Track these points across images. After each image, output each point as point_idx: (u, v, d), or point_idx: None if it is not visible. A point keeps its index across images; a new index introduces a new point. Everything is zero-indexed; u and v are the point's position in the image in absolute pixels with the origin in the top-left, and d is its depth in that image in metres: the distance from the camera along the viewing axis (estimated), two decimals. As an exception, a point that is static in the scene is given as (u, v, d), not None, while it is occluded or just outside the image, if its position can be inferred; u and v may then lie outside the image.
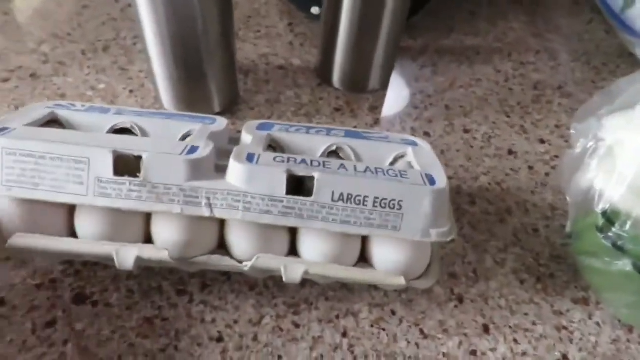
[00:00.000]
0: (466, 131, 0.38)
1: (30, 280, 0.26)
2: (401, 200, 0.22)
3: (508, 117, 0.40)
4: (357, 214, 0.22)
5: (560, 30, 0.52)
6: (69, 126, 0.25)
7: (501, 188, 0.34)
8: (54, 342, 0.23)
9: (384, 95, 0.41)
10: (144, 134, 0.25)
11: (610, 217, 0.24)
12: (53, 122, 0.25)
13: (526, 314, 0.27)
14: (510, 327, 0.26)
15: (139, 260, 0.22)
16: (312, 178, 0.22)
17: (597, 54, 0.49)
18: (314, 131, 0.27)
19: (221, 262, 0.23)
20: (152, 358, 0.23)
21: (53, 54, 0.41)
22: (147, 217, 0.24)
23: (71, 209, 0.24)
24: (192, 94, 0.35)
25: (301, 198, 0.22)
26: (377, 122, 0.38)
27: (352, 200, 0.22)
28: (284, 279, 0.23)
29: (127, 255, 0.22)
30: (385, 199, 0.22)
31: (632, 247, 0.23)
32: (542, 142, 0.38)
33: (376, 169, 0.23)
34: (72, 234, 0.24)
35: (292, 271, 0.23)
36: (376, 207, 0.22)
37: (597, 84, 0.45)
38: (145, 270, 0.27)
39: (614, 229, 0.24)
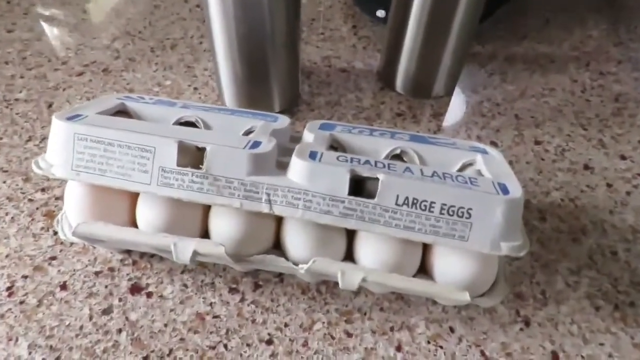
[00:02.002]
0: (537, 143, 0.36)
1: (90, 267, 0.26)
2: (470, 209, 0.20)
3: (585, 129, 0.37)
4: (422, 220, 0.21)
5: (646, 40, 0.48)
6: (136, 117, 0.26)
7: (575, 205, 0.31)
8: (108, 330, 0.24)
9: (449, 102, 0.39)
10: (208, 128, 0.25)
11: None
12: (122, 112, 0.26)
13: (601, 344, 0.25)
14: (582, 356, 0.24)
15: (195, 254, 0.22)
16: (374, 181, 0.21)
17: (687, 67, 0.45)
18: (378, 133, 0.26)
19: (276, 262, 0.22)
20: (201, 354, 0.23)
21: (124, 51, 0.43)
22: (206, 212, 0.24)
23: (134, 199, 0.24)
24: (254, 93, 0.35)
25: (363, 200, 0.21)
26: (440, 128, 0.37)
27: (418, 205, 0.20)
28: (340, 285, 0.22)
29: (184, 248, 0.22)
30: (454, 206, 0.20)
31: None
32: (623, 158, 0.35)
33: (444, 174, 0.22)
34: (134, 224, 0.24)
35: (350, 277, 0.21)
36: (443, 214, 0.20)
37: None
38: (200, 265, 0.26)
39: None
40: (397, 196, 0.20)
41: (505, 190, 0.21)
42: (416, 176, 0.21)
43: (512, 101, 0.39)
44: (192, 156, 0.22)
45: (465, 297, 0.21)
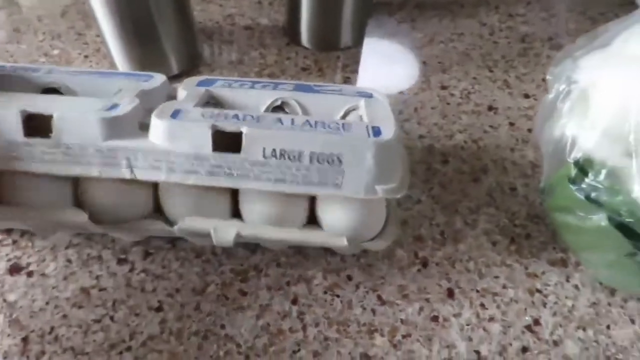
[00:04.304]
0: (443, 87, 0.36)
1: (-34, 252, 0.25)
2: (340, 155, 0.20)
3: (491, 71, 0.37)
4: (292, 171, 0.20)
5: (555, -20, 0.48)
6: (-8, 87, 0.24)
7: (478, 146, 0.32)
8: (-15, 314, 0.22)
9: (357, 53, 0.38)
10: (73, 93, 0.24)
11: (584, 167, 0.22)
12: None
13: (496, 277, 0.25)
14: (477, 291, 0.24)
15: (57, 225, 0.20)
16: None
17: (595, 4, 0.45)
18: (260, 86, 0.25)
19: (149, 226, 0.21)
20: (85, 329, 0.22)
21: (9, 20, 0.40)
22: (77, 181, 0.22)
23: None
24: (145, 55, 0.33)
25: (229, 155, 0.20)
26: (347, 80, 0.36)
27: (286, 156, 0.20)
28: (214, 242, 0.21)
29: (46, 221, 0.20)
30: (323, 154, 0.20)
31: (608, 199, 0.21)
32: (527, 96, 0.35)
33: (316, 122, 0.21)
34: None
35: (223, 233, 0.21)
36: (313, 162, 0.20)
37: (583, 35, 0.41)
38: (86, 238, 0.25)
39: (587, 180, 0.21)
40: (264, 149, 0.20)
41: (377, 133, 0.20)
42: (285, 127, 0.20)
43: (421, 48, 0.39)
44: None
45: (343, 242, 0.21)
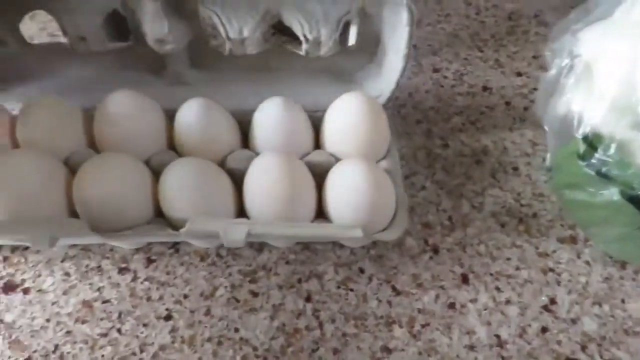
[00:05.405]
0: (435, 70, 0.35)
1: (-47, 272, 0.23)
2: None
3: (481, 51, 0.37)
4: None
5: (536, -44, 0.48)
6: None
7: (476, 127, 0.31)
8: (-18, 338, 0.21)
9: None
10: None
11: (592, 142, 0.22)
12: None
13: (508, 259, 0.25)
14: (491, 274, 0.24)
15: (54, 239, 0.19)
16: None
17: (576, -21, 0.45)
18: None
19: (153, 231, 0.20)
20: (92, 344, 0.21)
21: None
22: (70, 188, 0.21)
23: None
24: None
25: None
26: (338, 69, 0.35)
27: None
28: (224, 243, 0.20)
29: (41, 234, 0.19)
30: None
31: (619, 173, 0.21)
32: (519, 74, 0.35)
33: None
34: None
35: (233, 233, 0.20)
36: None
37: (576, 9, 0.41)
38: (82, 249, 0.24)
39: (597, 155, 0.21)
40: None
41: None
42: None
43: (409, 32, 0.38)
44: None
45: (358, 232, 0.20)
